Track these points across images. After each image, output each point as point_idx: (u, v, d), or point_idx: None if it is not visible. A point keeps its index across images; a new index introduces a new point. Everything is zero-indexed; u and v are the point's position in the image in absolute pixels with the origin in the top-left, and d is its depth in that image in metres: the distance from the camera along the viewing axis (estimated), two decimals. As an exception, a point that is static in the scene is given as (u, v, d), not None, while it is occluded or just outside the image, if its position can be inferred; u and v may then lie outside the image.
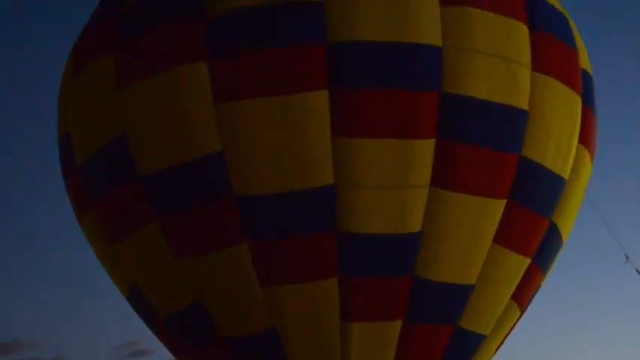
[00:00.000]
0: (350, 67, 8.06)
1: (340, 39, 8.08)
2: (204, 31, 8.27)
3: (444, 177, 8.19)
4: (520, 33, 8.52)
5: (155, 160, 8.42)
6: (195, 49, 8.26)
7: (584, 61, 9.27)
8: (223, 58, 8.20)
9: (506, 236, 8.54)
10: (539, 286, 9.30)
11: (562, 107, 8.74)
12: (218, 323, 8.60)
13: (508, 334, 9.37)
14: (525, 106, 8.43)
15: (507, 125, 8.35)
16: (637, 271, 9.59)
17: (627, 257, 9.13)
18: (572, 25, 9.32)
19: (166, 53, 8.35)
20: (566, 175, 8.88)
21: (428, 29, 8.17)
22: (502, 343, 9.37)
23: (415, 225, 8.24)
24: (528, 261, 8.85)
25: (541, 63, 8.56)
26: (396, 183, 8.12)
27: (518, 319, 9.34)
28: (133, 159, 8.50)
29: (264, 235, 8.24)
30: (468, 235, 8.37)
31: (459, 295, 8.54)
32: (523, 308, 9.26)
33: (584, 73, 9.18)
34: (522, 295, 9.08)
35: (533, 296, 9.33)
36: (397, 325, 8.46)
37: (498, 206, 8.43)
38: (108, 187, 8.81)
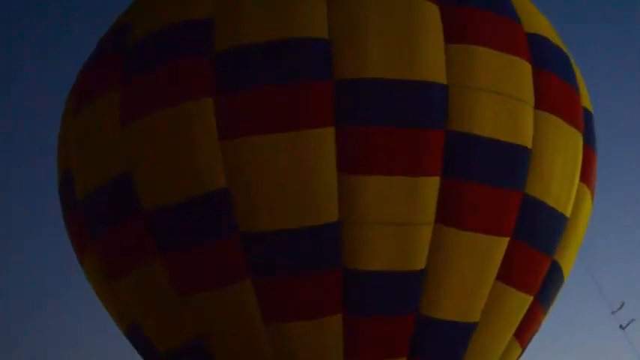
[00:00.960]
0: (356, 104, 8.08)
1: (347, 76, 8.11)
2: (210, 67, 8.28)
3: (449, 214, 8.19)
4: (523, 71, 8.58)
5: (159, 196, 8.38)
6: (201, 85, 8.27)
7: (585, 99, 9.35)
8: (229, 94, 8.20)
9: (510, 274, 8.55)
10: (540, 324, 9.31)
11: (564, 145, 8.79)
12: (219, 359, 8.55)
13: (509, 371, 9.36)
14: (529, 144, 8.47)
15: (511, 163, 8.38)
16: (620, 326, 9.68)
17: (622, 303, 9.20)
18: (573, 61, 9.40)
19: (172, 89, 8.35)
20: (568, 212, 8.91)
21: (433, 67, 8.22)
22: None
23: (420, 262, 8.23)
24: (531, 299, 8.86)
25: (543, 101, 8.62)
26: (401, 220, 8.12)
27: (519, 357, 9.32)
28: (136, 195, 8.47)
29: (268, 272, 8.21)
30: (472, 272, 8.37)
31: (462, 333, 8.53)
32: (524, 346, 9.25)
33: (585, 110, 9.25)
34: (524, 333, 9.07)
35: (534, 334, 9.33)
36: None
37: (502, 244, 8.44)
38: (110, 222, 8.76)
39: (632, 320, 10.16)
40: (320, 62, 8.14)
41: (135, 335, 9.16)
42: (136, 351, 9.50)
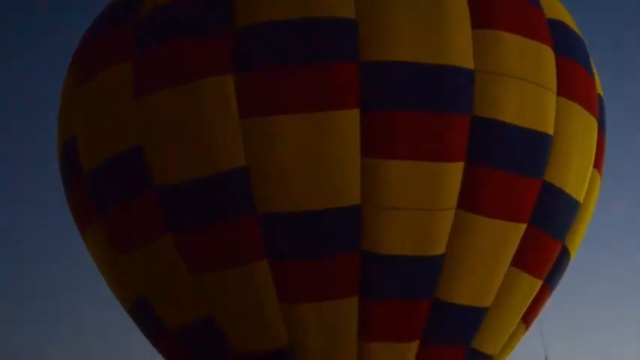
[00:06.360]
0: (382, 87, 7.97)
1: (373, 58, 7.98)
2: (231, 42, 8.09)
3: (471, 200, 8.17)
4: (547, 57, 8.54)
5: (174, 172, 8.22)
6: (221, 61, 8.08)
7: (598, 85, 9.37)
8: (250, 72, 8.03)
9: (524, 259, 8.59)
10: (545, 304, 9.39)
11: (583, 132, 8.81)
12: (231, 338, 8.47)
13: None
14: (551, 131, 8.47)
15: (534, 150, 8.38)
16: None
17: None
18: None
19: (191, 64, 8.14)
20: (581, 199, 8.97)
21: (460, 51, 8.13)
22: None
23: (439, 247, 8.21)
24: (540, 282, 8.93)
25: (565, 88, 8.61)
26: (423, 205, 8.07)
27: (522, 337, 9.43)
28: (150, 169, 8.29)
29: (286, 253, 8.13)
30: (489, 258, 8.38)
31: (474, 318, 8.56)
32: (529, 326, 9.34)
33: (599, 97, 9.27)
34: (530, 315, 9.17)
35: (538, 314, 9.42)
36: (414, 346, 8.45)
37: (519, 230, 8.46)
38: (120, 195, 8.57)
39: None
40: (346, 43, 8.00)
41: (141, 310, 9.01)
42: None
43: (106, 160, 8.60)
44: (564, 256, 9.12)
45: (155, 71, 8.31)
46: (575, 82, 8.73)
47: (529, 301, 8.94)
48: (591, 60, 9.29)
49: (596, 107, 9.06)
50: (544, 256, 8.81)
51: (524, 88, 8.28)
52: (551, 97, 8.49)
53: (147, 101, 8.30)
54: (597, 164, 9.20)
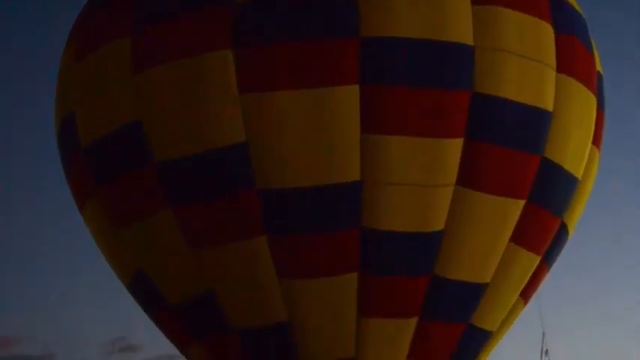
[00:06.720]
0: (382, 63, 7.97)
1: (373, 34, 7.97)
2: (231, 17, 8.07)
3: (470, 177, 8.18)
4: (547, 34, 8.53)
5: (174, 147, 8.22)
6: (221, 37, 8.06)
7: (597, 62, 9.35)
8: (251, 47, 8.02)
9: (523, 236, 8.61)
10: (543, 280, 9.43)
11: (582, 109, 8.82)
12: (229, 313, 8.50)
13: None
14: (550, 108, 8.47)
15: (533, 126, 8.39)
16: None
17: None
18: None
19: (190, 39, 8.13)
20: (580, 175, 8.99)
21: (460, 28, 8.12)
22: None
23: (439, 223, 8.23)
24: (539, 259, 8.96)
25: (565, 65, 8.60)
26: (422, 181, 8.08)
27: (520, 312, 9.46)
28: (149, 144, 8.29)
29: (285, 229, 8.14)
30: (488, 234, 8.40)
31: (474, 294, 8.60)
32: (527, 302, 9.38)
33: (598, 73, 9.26)
34: (529, 291, 9.20)
35: (537, 289, 9.45)
36: (413, 322, 8.48)
37: (518, 206, 8.48)
38: (119, 170, 8.58)
39: None
40: (346, 19, 7.99)
41: (140, 284, 9.03)
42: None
43: (106, 135, 8.59)
44: (563, 232, 9.15)
45: (154, 46, 8.30)
46: (574, 59, 8.72)
47: (528, 277, 8.97)
48: (591, 37, 9.28)
49: (595, 84, 9.06)
50: (543, 233, 8.84)
51: (523, 65, 8.28)
52: (551, 74, 8.48)
53: (146, 76, 8.28)
54: (596, 141, 9.21)
